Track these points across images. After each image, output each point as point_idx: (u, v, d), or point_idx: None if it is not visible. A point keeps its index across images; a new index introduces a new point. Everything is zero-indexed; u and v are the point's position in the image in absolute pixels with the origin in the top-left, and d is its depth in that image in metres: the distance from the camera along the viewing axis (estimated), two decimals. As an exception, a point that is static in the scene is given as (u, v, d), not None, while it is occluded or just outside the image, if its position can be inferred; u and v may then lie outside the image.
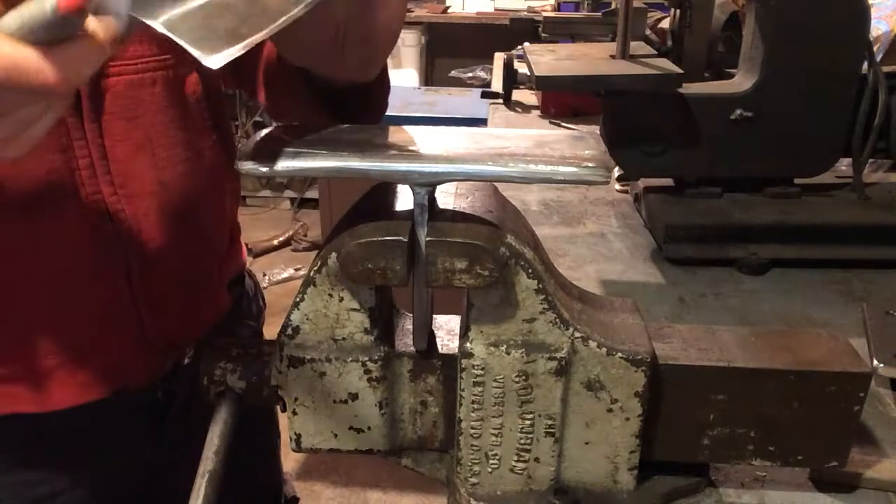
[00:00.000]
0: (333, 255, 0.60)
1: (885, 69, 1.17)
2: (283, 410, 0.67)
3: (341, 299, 0.62)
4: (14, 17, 0.44)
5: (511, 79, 2.06)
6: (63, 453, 0.86)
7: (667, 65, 1.16)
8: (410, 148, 0.60)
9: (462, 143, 0.61)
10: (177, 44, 0.80)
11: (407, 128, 0.66)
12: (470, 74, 4.20)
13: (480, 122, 2.12)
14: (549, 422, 0.64)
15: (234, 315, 1.01)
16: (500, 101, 2.10)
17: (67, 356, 0.80)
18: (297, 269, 4.00)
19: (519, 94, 2.13)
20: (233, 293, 1.02)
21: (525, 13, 3.57)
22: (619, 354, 0.62)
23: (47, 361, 0.80)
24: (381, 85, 0.84)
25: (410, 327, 0.67)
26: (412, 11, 4.63)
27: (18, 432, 0.83)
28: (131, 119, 0.79)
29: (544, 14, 2.52)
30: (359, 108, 0.84)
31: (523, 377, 0.62)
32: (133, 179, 0.80)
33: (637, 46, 1.26)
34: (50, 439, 0.84)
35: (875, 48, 1.25)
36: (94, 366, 0.82)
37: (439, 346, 0.67)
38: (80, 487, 0.87)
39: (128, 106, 0.79)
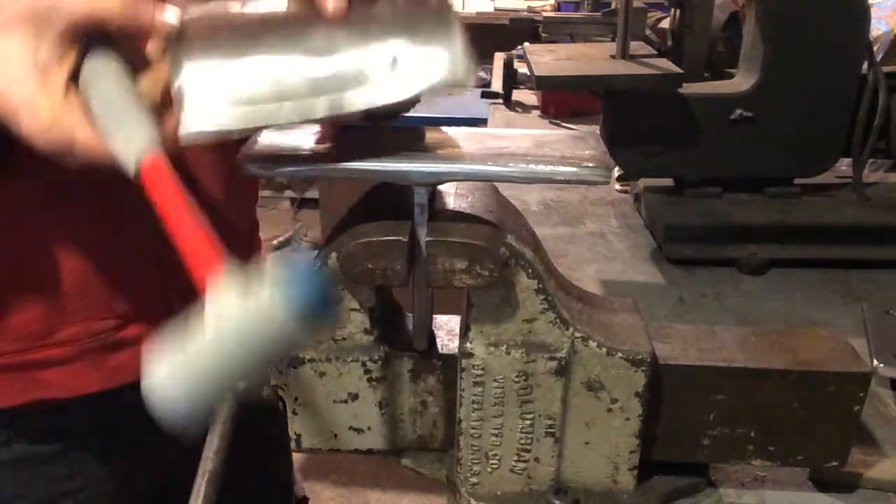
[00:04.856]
0: (333, 255, 0.60)
1: (885, 69, 1.17)
2: (283, 410, 0.67)
3: (341, 299, 0.62)
4: None
5: (511, 79, 2.06)
6: (86, 449, 0.86)
7: (667, 65, 1.16)
8: (410, 148, 0.60)
9: (462, 143, 0.61)
10: None
11: (407, 128, 0.66)
12: (470, 74, 4.20)
13: (480, 122, 2.12)
14: (549, 422, 0.64)
15: None
16: (500, 101, 2.10)
17: (98, 342, 0.81)
18: (297, 269, 3.99)
19: (519, 94, 2.13)
20: None
21: (525, 13, 3.56)
22: (619, 354, 0.62)
23: (77, 346, 0.80)
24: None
25: (410, 327, 0.67)
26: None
27: (43, 426, 0.83)
28: None
29: (544, 14, 2.52)
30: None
31: (523, 377, 0.62)
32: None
33: (637, 46, 1.26)
34: (74, 434, 0.85)
35: (875, 48, 1.25)
36: (122, 352, 0.83)
37: (439, 346, 0.67)
38: (102, 483, 0.88)
39: None
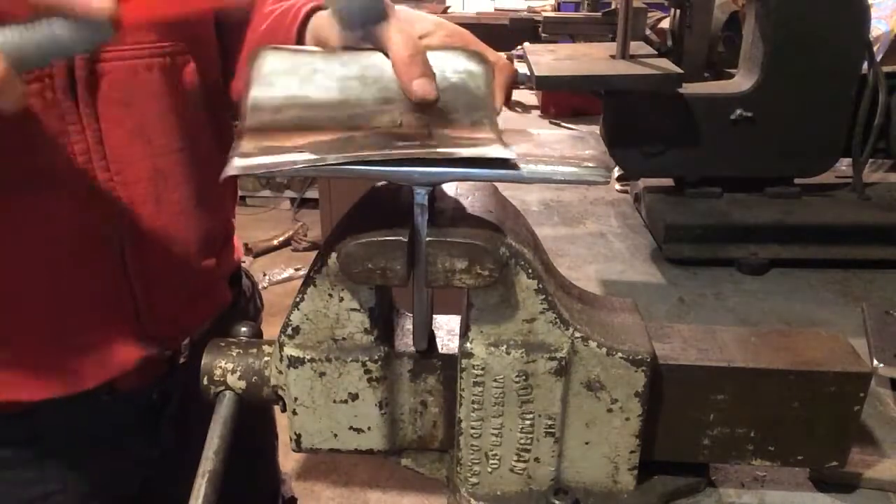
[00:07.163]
0: (333, 255, 0.60)
1: (885, 69, 1.17)
2: (283, 410, 0.67)
3: (341, 299, 0.62)
4: None
5: (511, 79, 2.05)
6: (57, 454, 0.85)
7: (667, 65, 1.16)
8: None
9: None
10: (177, 32, 0.83)
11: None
12: (470, 74, 4.19)
13: (480, 122, 2.12)
14: (549, 422, 0.64)
15: (232, 314, 1.01)
16: (500, 101, 2.10)
17: (61, 344, 0.80)
18: (297, 269, 4.00)
19: (519, 94, 2.13)
20: (231, 291, 1.01)
21: (525, 13, 3.56)
22: (619, 354, 0.62)
23: (42, 349, 0.80)
24: None
25: (410, 327, 0.67)
26: (412, 12, 4.64)
27: (12, 431, 0.82)
28: (127, 105, 0.79)
29: (544, 14, 2.52)
30: None
31: (523, 377, 0.62)
32: (129, 166, 0.80)
33: (637, 46, 1.27)
34: (44, 440, 0.84)
35: (875, 48, 1.25)
36: (88, 354, 0.82)
37: (439, 346, 0.67)
38: (73, 488, 0.87)
39: (124, 91, 0.79)
